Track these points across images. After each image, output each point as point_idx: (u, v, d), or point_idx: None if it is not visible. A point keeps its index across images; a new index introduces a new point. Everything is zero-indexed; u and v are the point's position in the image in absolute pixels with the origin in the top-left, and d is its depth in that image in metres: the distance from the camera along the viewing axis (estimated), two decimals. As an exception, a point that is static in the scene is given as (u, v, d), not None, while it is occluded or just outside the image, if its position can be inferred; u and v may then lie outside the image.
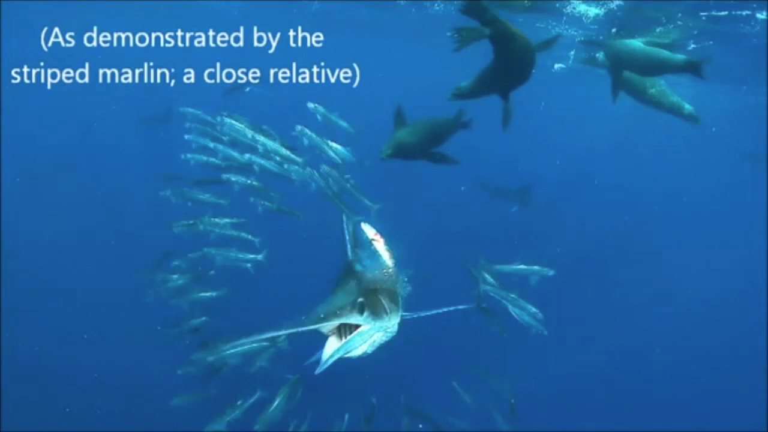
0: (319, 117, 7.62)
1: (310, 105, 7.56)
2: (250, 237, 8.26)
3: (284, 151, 7.40)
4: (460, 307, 3.98)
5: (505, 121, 5.58)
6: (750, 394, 13.39)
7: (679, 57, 6.51)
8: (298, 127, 7.40)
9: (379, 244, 4.09)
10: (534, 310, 7.31)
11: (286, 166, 7.49)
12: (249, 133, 7.31)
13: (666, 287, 17.59)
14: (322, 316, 3.06)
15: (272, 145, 7.38)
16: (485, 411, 8.97)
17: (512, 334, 7.49)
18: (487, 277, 7.50)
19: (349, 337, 3.12)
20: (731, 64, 11.97)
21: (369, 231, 4.06)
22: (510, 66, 5.26)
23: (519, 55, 5.20)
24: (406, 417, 8.55)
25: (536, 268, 7.69)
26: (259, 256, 8.21)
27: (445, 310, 3.81)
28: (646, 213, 21.01)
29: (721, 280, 18.31)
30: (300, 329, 2.96)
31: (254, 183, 7.85)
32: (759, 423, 11.84)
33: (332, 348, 3.10)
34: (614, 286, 16.36)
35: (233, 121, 7.33)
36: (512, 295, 7.34)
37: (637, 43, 6.80)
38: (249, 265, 8.22)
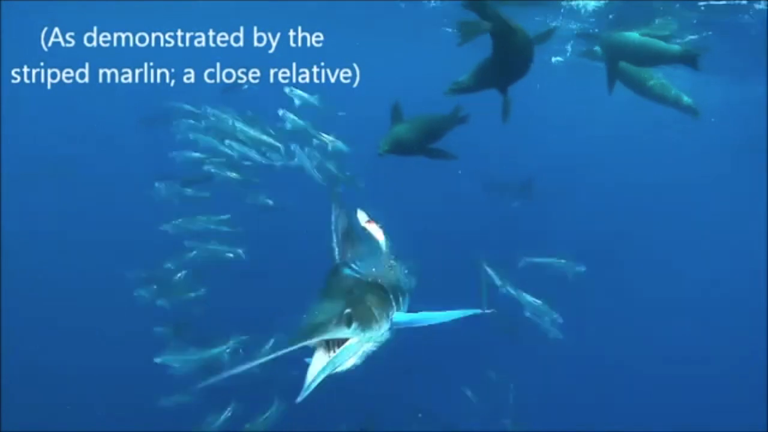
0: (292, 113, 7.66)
1: (281, 112, 7.60)
2: (237, 231, 8.38)
3: (268, 139, 7.46)
4: (468, 312, 3.42)
5: (505, 114, 5.59)
6: (750, 394, 13.39)
7: (675, 48, 6.53)
8: (281, 111, 7.39)
9: (374, 228, 3.92)
10: (555, 315, 7.33)
11: (269, 154, 7.52)
12: (232, 122, 7.34)
13: (666, 286, 17.56)
14: (305, 333, 2.74)
15: (255, 133, 7.43)
16: (491, 411, 8.98)
17: (513, 335, 7.52)
18: (500, 280, 7.56)
19: (336, 353, 2.82)
20: (730, 54, 11.99)
21: (363, 217, 3.89)
22: (509, 60, 5.27)
23: (518, 49, 5.21)
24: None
25: (564, 262, 7.72)
26: (240, 250, 8.33)
27: (451, 315, 3.31)
28: (646, 209, 20.94)
29: (722, 280, 18.30)
30: (283, 352, 2.65)
31: (235, 176, 7.94)
32: (759, 423, 11.84)
33: (319, 365, 2.78)
34: (613, 284, 16.28)
35: (220, 113, 7.40)
36: (530, 299, 7.35)
37: (632, 34, 6.81)
38: (231, 255, 8.32)
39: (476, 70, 5.36)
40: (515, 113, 5.58)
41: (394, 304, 3.31)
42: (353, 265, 3.44)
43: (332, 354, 2.81)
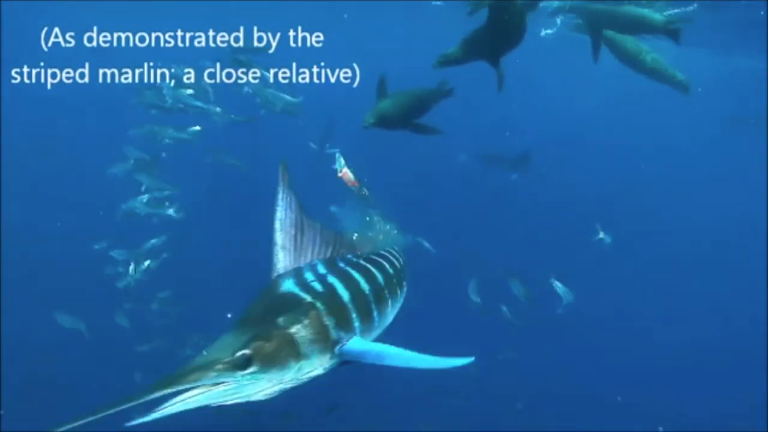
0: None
1: None
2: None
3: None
4: (458, 362, 2.63)
5: (500, 85, 5.60)
6: (750, 393, 13.35)
7: (658, 17, 6.52)
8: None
9: (349, 178, 3.59)
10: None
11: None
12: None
13: (664, 283, 17.46)
14: (172, 378, 2.21)
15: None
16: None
17: (516, 334, 7.55)
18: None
19: (212, 391, 2.27)
20: (718, 27, 11.90)
21: (340, 164, 3.49)
22: (502, 30, 5.25)
23: (514, 18, 5.20)
24: None
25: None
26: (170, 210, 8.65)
27: (434, 362, 2.61)
28: (639, 177, 20.74)
29: (720, 281, 18.25)
30: (139, 402, 2.12)
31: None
32: (759, 423, 11.82)
33: (197, 392, 2.25)
34: (609, 281, 16.16)
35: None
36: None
37: (612, 3, 6.84)
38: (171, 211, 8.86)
39: (465, 41, 5.33)
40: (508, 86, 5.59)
41: (355, 323, 2.73)
42: (308, 273, 2.83)
43: (215, 389, 2.29)
